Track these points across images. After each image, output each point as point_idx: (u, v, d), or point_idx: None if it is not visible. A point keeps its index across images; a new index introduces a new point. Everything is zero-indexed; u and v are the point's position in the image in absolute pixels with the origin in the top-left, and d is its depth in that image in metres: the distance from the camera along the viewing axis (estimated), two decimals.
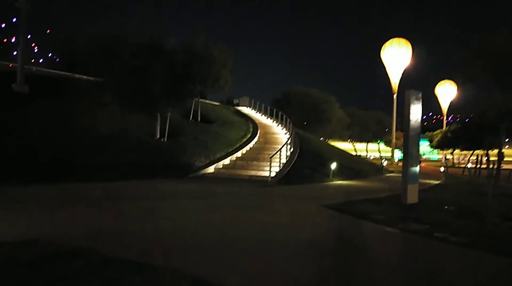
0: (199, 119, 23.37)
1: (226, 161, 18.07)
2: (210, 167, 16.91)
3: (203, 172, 16.43)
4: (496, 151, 10.12)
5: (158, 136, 18.46)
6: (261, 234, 6.41)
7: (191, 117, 23.15)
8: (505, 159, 16.82)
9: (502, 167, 9.66)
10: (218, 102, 34.38)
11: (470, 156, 23.10)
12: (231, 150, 19.09)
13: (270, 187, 13.50)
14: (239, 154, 19.13)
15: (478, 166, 16.73)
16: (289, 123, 23.69)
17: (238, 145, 19.90)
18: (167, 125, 18.52)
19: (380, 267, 4.94)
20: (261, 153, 19.06)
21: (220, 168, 17.37)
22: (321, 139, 35.75)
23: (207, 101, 29.60)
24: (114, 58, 16.82)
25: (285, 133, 23.60)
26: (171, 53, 17.95)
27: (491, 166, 11.28)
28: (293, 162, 17.31)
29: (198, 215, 8.06)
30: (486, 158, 13.47)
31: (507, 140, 14.21)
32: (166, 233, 6.20)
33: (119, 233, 6.00)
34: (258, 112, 32.57)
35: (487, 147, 13.46)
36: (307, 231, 6.86)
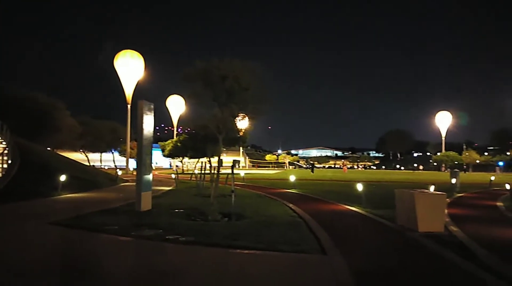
0: None
1: None
2: None
3: None
4: (216, 158, 11.68)
5: None
6: None
7: None
8: (224, 165, 19.69)
9: (221, 172, 11.27)
10: None
11: (197, 163, 25.88)
12: None
13: None
14: None
15: (203, 171, 18.88)
16: (7, 131, 20.16)
17: None
18: None
19: (111, 276, 4.85)
20: None
21: None
22: (48, 149, 32.06)
23: None
24: None
25: (1, 142, 19.94)
26: None
27: (212, 171, 12.95)
28: (11, 176, 14.80)
29: None
30: (209, 164, 15.38)
31: (224, 149, 16.77)
32: None
33: None
34: None
35: (210, 155, 15.35)
36: (31, 254, 6.00)
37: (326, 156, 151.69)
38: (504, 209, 12.75)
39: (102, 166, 54.05)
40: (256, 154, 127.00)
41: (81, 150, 50.87)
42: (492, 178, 26.56)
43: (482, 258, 6.11)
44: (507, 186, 16.78)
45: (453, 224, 9.23)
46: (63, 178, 15.82)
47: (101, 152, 55.26)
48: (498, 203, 14.34)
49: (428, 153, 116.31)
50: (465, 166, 73.15)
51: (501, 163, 75.68)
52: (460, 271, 5.46)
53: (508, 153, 73.84)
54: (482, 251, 6.59)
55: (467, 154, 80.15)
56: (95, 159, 54.75)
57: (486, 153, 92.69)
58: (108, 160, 57.43)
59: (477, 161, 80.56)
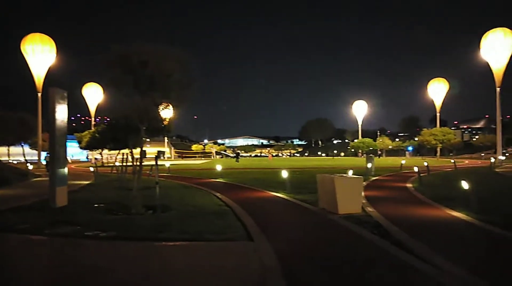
0: None
1: None
2: None
3: None
4: (139, 149, 11.20)
5: None
6: None
7: None
8: (147, 156, 19.09)
9: (144, 163, 10.83)
10: None
11: (117, 155, 24.69)
12: None
13: None
14: None
15: (125, 163, 18.05)
16: None
17: None
18: None
19: (23, 280, 4.44)
20: None
21: None
22: None
23: None
24: None
25: None
26: None
27: (135, 163, 12.44)
28: None
29: None
30: (131, 156, 14.75)
31: (148, 139, 16.12)
32: None
33: None
34: None
35: (132, 146, 14.69)
36: None
37: (253, 145, 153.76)
38: (413, 190, 13.95)
39: (10, 161, 49.32)
40: (182, 144, 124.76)
41: None
42: (403, 162, 28.87)
43: (394, 235, 6.61)
44: (415, 169, 18.36)
45: (369, 205, 9.88)
46: None
47: (9, 145, 50.37)
48: (408, 185, 15.67)
49: (347, 140, 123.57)
50: (379, 152, 78.88)
51: (410, 148, 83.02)
52: (376, 247, 5.86)
53: (416, 139, 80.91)
54: (394, 228, 7.13)
55: (380, 140, 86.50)
56: (2, 153, 49.79)
57: (397, 139, 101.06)
58: (17, 153, 52.51)
59: (390, 147, 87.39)
